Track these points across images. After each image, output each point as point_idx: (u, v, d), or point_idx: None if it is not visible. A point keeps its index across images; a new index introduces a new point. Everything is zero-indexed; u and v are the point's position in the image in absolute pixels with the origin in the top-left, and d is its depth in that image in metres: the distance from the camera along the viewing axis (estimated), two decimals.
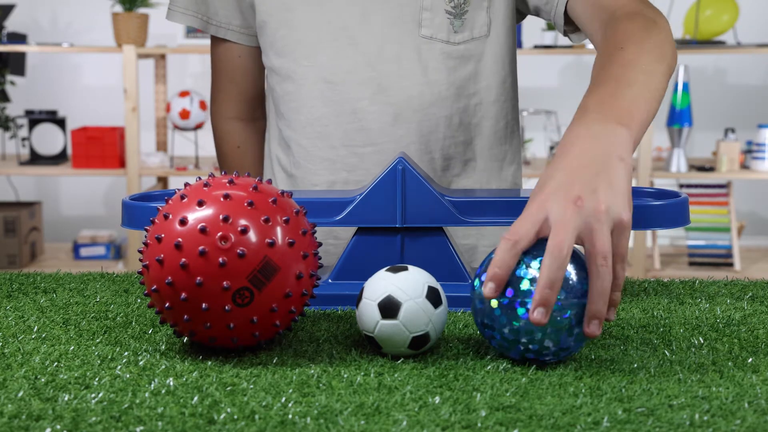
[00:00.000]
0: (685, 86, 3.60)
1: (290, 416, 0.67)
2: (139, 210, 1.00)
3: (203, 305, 0.76)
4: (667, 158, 3.68)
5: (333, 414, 0.67)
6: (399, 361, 0.80)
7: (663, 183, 4.01)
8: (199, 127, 3.72)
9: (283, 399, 0.70)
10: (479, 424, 0.65)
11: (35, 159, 3.79)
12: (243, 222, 0.76)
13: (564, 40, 3.79)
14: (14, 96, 4.13)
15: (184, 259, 0.76)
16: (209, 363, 0.79)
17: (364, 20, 1.17)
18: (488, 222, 0.98)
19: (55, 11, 4.33)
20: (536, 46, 3.70)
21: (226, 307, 0.76)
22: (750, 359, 0.81)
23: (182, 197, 0.79)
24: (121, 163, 3.69)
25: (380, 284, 0.80)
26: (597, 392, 0.72)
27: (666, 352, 0.83)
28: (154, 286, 0.78)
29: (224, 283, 0.75)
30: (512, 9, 1.22)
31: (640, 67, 0.93)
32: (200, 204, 0.77)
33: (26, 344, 0.84)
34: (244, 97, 1.34)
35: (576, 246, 0.76)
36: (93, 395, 0.71)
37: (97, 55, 4.34)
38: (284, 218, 0.79)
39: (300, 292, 0.80)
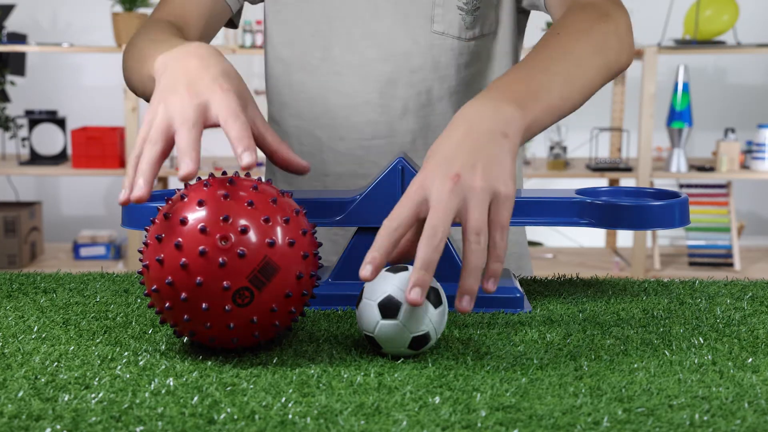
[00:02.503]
0: (685, 86, 3.60)
1: (290, 416, 0.67)
2: (139, 210, 1.00)
3: (203, 305, 0.76)
4: (667, 158, 3.68)
5: (333, 414, 0.67)
6: (399, 361, 0.80)
7: (663, 183, 4.01)
8: None
9: (283, 399, 0.70)
10: (479, 424, 0.65)
11: (35, 159, 3.79)
12: (243, 222, 0.76)
13: None
14: (14, 96, 4.13)
15: (184, 259, 0.76)
16: (209, 363, 0.79)
17: (377, 15, 1.18)
18: None
19: (55, 11, 4.33)
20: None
21: (227, 307, 0.76)
22: (750, 359, 0.81)
23: (182, 197, 0.79)
24: (121, 163, 3.69)
25: (380, 284, 0.80)
26: (597, 392, 0.72)
27: (666, 352, 0.83)
28: (154, 286, 0.78)
29: (224, 283, 0.75)
30: (516, 7, 1.22)
31: (570, 55, 0.93)
32: (200, 204, 0.77)
33: (26, 344, 0.84)
34: (176, 25, 1.16)
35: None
36: (93, 395, 0.71)
37: (97, 55, 4.34)
38: (284, 218, 0.79)
39: (300, 292, 0.80)
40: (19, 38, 3.78)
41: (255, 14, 3.64)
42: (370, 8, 1.18)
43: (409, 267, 0.81)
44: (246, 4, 1.28)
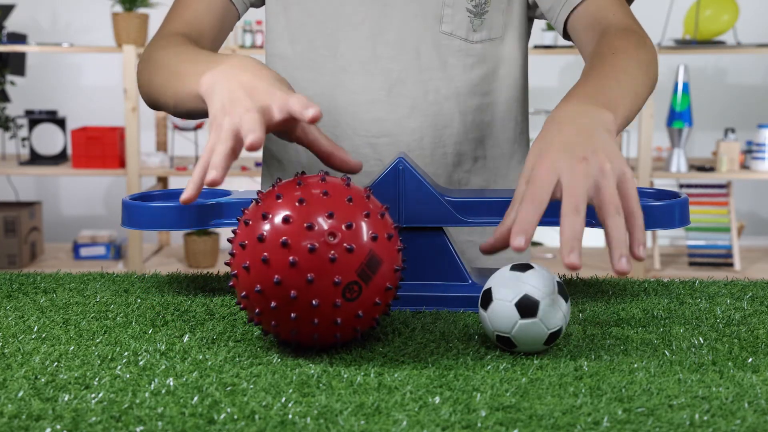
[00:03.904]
0: (685, 86, 3.60)
1: (290, 416, 0.67)
2: (139, 210, 1.00)
3: (313, 302, 0.76)
4: (667, 158, 3.68)
5: (333, 414, 0.67)
6: (399, 361, 0.80)
7: (663, 183, 4.01)
8: (199, 127, 3.72)
9: (283, 399, 0.70)
10: (479, 424, 0.65)
11: (35, 159, 3.79)
12: (347, 217, 0.77)
13: (564, 41, 3.79)
14: (14, 96, 4.13)
15: (292, 257, 0.75)
16: (209, 363, 0.79)
17: (385, 13, 1.18)
18: (488, 222, 0.98)
19: (55, 11, 4.33)
20: (536, 46, 3.70)
21: (336, 302, 0.76)
22: (750, 359, 0.81)
23: (278, 197, 0.79)
24: (121, 163, 3.69)
25: (510, 284, 0.81)
26: (597, 392, 0.72)
27: (666, 352, 0.83)
28: (258, 287, 0.77)
29: (335, 278, 0.76)
30: (525, 13, 1.24)
31: (629, 72, 1.00)
32: (301, 202, 0.77)
33: (26, 344, 0.84)
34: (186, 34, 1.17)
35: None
36: (93, 395, 0.71)
37: (97, 55, 4.34)
38: (380, 213, 0.80)
39: (396, 285, 0.81)
40: (19, 38, 3.78)
41: (255, 14, 3.64)
42: (379, 5, 1.18)
43: (533, 264, 0.82)
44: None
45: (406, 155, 0.99)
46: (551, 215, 0.98)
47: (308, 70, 1.21)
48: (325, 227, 0.76)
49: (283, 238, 0.76)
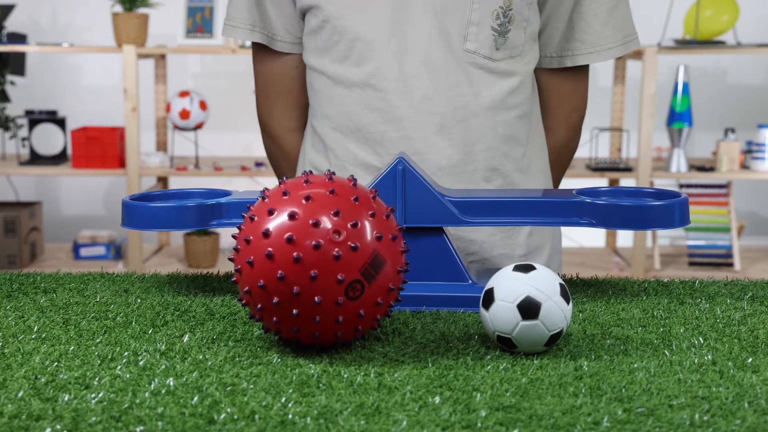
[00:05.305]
0: (685, 86, 3.60)
1: (290, 416, 0.67)
2: (139, 210, 1.00)
3: (316, 299, 0.76)
4: (667, 158, 3.68)
5: (333, 414, 0.67)
6: (399, 361, 0.80)
7: (663, 183, 4.01)
8: (199, 127, 3.72)
9: (283, 399, 0.70)
10: (479, 424, 0.65)
11: (35, 159, 3.79)
12: (353, 216, 0.78)
13: None
14: (14, 96, 4.13)
15: (297, 253, 0.76)
16: (209, 363, 0.79)
17: (413, 30, 1.18)
18: (488, 222, 0.98)
19: (55, 11, 4.33)
20: None
21: (339, 300, 0.77)
22: (750, 359, 0.81)
23: (284, 193, 0.79)
24: (121, 163, 3.69)
25: (512, 285, 0.81)
26: (597, 392, 0.72)
27: (666, 352, 0.83)
28: (261, 282, 0.77)
29: (338, 276, 0.76)
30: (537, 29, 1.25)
31: None
32: (307, 199, 0.78)
33: (26, 344, 0.84)
34: (300, 104, 1.33)
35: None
36: (93, 395, 0.71)
37: (97, 55, 4.34)
38: (385, 214, 0.81)
39: (398, 287, 0.81)
40: (19, 38, 3.78)
41: None
42: (405, 23, 1.18)
43: (537, 266, 0.82)
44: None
45: (406, 155, 0.99)
46: (552, 216, 0.98)
47: (340, 86, 1.22)
48: (330, 225, 0.77)
49: (288, 234, 0.76)
